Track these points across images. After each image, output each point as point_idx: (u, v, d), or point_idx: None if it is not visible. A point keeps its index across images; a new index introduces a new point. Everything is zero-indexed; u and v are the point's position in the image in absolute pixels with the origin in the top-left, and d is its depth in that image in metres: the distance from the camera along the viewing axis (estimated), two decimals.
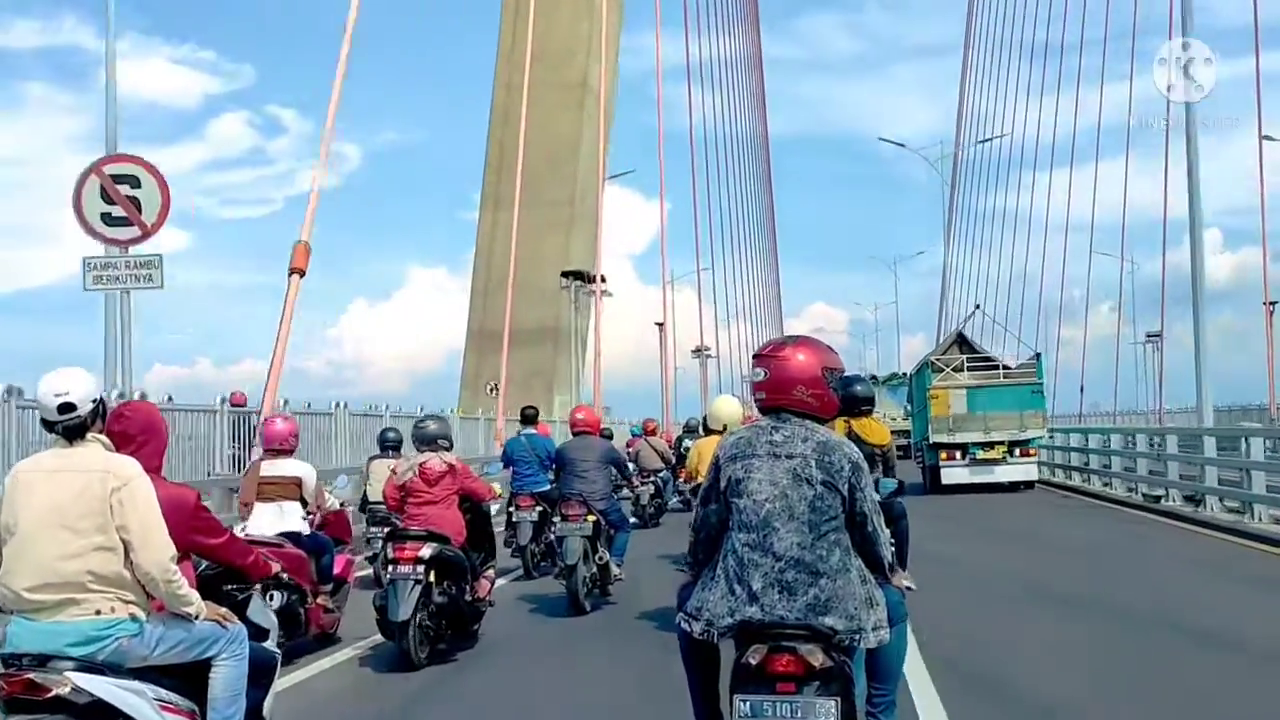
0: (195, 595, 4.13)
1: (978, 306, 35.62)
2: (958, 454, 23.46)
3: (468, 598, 7.96)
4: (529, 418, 13.10)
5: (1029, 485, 23.86)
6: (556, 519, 10.23)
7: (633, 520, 17.65)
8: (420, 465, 7.99)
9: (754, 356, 4.04)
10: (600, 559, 9.96)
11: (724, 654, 3.95)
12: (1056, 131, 42.06)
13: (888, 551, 4.00)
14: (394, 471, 8.20)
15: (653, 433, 19.79)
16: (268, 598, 7.29)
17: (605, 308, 40.99)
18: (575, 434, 10.72)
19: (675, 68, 46.86)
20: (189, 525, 4.31)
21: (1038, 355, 26.62)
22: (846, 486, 3.79)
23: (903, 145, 42.53)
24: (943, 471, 23.47)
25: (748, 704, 3.63)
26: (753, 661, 3.65)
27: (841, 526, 3.81)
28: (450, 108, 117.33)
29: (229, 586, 4.93)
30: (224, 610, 4.37)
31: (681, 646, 4.03)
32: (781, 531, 3.74)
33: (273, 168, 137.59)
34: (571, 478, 10.12)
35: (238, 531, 7.72)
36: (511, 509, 12.47)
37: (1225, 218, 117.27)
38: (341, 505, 8.95)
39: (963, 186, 54.58)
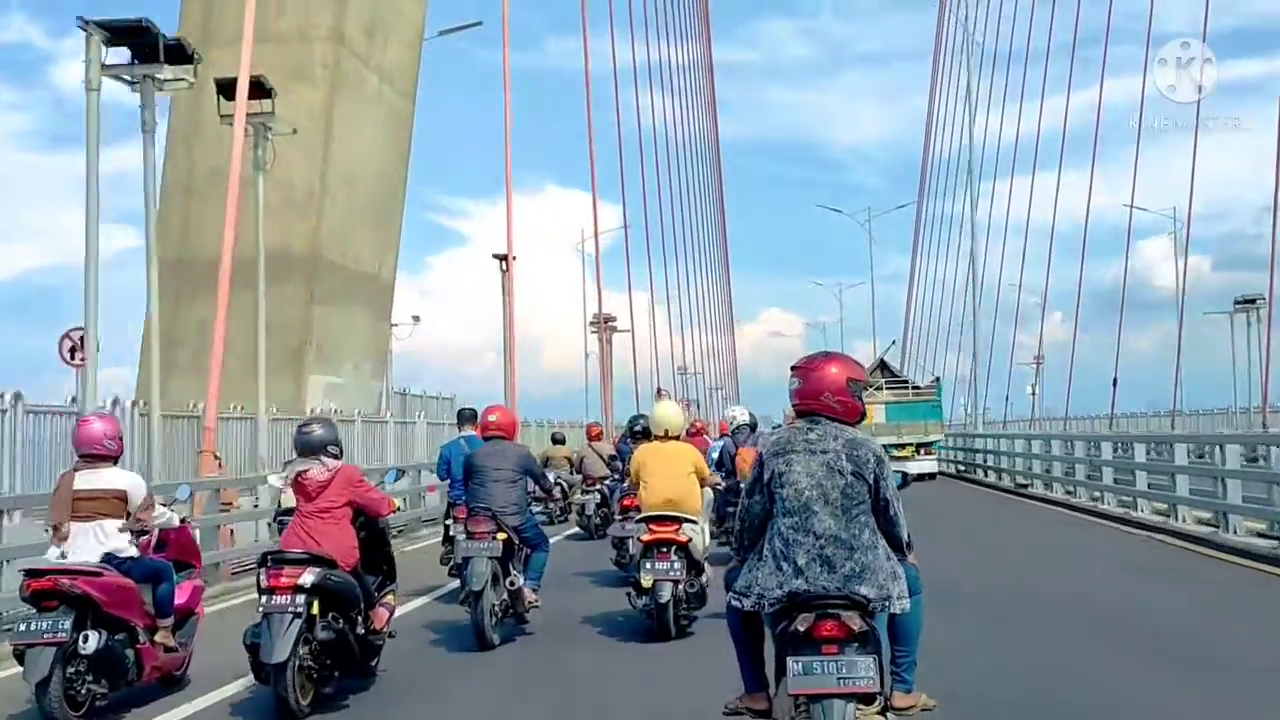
0: None
1: (894, 341, 45.96)
2: None
3: (360, 630, 6.78)
4: (466, 418, 11.57)
5: (931, 477, 30.58)
6: (461, 536, 8.98)
7: (577, 531, 16.47)
8: (297, 475, 6.80)
9: (792, 368, 4.67)
10: (511, 584, 8.62)
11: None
12: (1066, 124, 41.27)
13: (905, 532, 4.58)
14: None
15: (598, 437, 18.53)
16: (82, 638, 6.05)
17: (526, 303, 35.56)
18: (486, 438, 9.43)
19: (624, 70, 46.58)
20: None
21: (937, 379, 35.89)
22: (872, 476, 4.44)
23: None
24: None
25: (800, 664, 4.16)
26: (801, 628, 4.19)
27: (868, 510, 4.43)
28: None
29: None
30: None
31: (731, 622, 4.63)
32: (820, 514, 4.36)
33: None
34: (480, 489, 8.83)
35: (52, 558, 6.46)
36: (449, 522, 11.06)
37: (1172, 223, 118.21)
38: (183, 521, 7.45)
39: (932, 189, 58.13)
